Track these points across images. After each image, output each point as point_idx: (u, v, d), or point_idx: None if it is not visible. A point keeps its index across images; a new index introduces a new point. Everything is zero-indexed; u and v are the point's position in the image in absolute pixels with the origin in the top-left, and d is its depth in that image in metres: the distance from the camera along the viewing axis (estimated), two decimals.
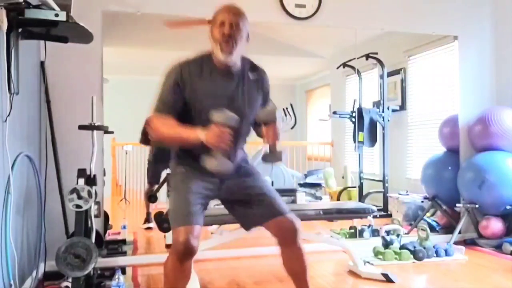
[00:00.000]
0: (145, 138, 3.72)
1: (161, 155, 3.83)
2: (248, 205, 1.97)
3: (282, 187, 4.49)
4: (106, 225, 3.27)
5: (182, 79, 1.88)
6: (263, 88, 2.02)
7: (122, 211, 4.42)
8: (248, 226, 2.04)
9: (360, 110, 4.48)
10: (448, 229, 3.93)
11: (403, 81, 4.59)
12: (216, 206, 3.70)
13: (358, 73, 4.60)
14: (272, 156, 1.92)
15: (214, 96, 1.88)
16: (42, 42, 2.79)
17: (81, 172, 2.48)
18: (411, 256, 3.24)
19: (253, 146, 4.70)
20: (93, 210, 2.56)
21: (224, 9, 1.88)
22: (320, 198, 4.55)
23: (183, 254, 1.76)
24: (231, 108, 1.82)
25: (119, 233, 3.61)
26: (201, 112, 1.86)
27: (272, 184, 4.42)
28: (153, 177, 4.01)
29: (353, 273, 2.98)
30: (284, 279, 2.89)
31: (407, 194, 4.35)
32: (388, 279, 2.76)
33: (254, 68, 2.00)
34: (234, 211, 2.05)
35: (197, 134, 1.76)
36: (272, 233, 1.97)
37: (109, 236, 3.49)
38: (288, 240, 1.94)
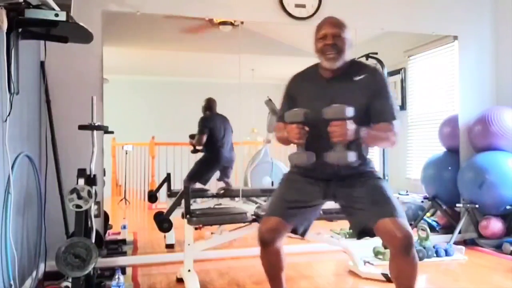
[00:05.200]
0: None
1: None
2: (355, 209, 1.98)
3: None
4: (106, 225, 3.27)
5: (292, 90, 2.15)
6: (372, 87, 2.00)
7: (122, 211, 4.42)
8: (356, 232, 2.00)
9: None
10: (448, 229, 3.93)
11: (403, 81, 4.59)
12: (216, 206, 3.73)
13: None
14: (330, 154, 1.88)
15: (314, 100, 2.01)
16: (42, 42, 2.79)
17: (81, 172, 2.47)
18: None
19: (253, 146, 4.71)
20: (93, 210, 2.56)
21: (325, 23, 2.03)
22: None
23: (260, 241, 2.00)
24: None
25: (119, 233, 3.61)
26: None
27: (272, 184, 4.43)
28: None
29: (353, 273, 2.98)
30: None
31: (407, 194, 4.35)
32: (388, 279, 2.76)
33: (362, 69, 2.06)
34: (346, 215, 2.09)
35: (285, 134, 1.98)
36: (381, 238, 1.94)
37: (109, 236, 3.49)
38: (395, 249, 1.85)
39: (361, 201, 1.94)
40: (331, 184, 2.03)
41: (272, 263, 2.06)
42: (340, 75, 2.03)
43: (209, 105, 4.23)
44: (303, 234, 2.10)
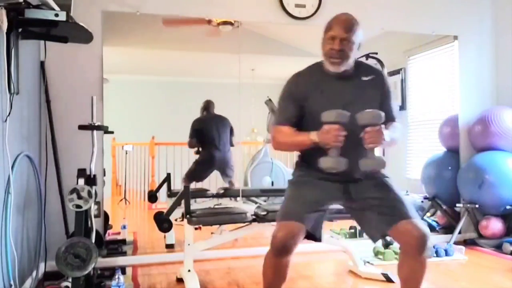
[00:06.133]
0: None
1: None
2: (370, 212, 1.89)
3: (282, 187, 4.48)
4: (106, 225, 3.27)
5: (297, 91, 1.98)
6: (380, 89, 2.00)
7: (122, 211, 4.42)
8: (373, 236, 1.93)
9: None
10: (448, 229, 3.93)
11: (403, 81, 4.59)
12: (216, 206, 3.73)
13: None
14: (366, 161, 1.80)
15: (327, 102, 1.89)
16: (42, 42, 2.79)
17: (81, 172, 2.48)
18: None
19: (254, 146, 4.71)
20: (93, 210, 2.56)
21: (336, 22, 1.90)
22: None
23: (278, 249, 1.78)
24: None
25: (119, 233, 3.61)
26: (316, 118, 1.86)
27: (272, 184, 4.43)
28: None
29: (353, 273, 2.98)
30: None
31: (407, 194, 4.34)
32: (388, 279, 2.76)
33: (368, 70, 2.03)
34: (358, 219, 2.00)
35: (310, 137, 1.84)
36: (396, 240, 1.89)
37: (109, 236, 3.49)
38: (411, 248, 1.79)
39: (377, 204, 1.87)
40: (349, 185, 1.94)
41: (280, 274, 1.87)
42: (349, 75, 1.96)
43: (206, 106, 4.26)
44: (320, 239, 1.92)
